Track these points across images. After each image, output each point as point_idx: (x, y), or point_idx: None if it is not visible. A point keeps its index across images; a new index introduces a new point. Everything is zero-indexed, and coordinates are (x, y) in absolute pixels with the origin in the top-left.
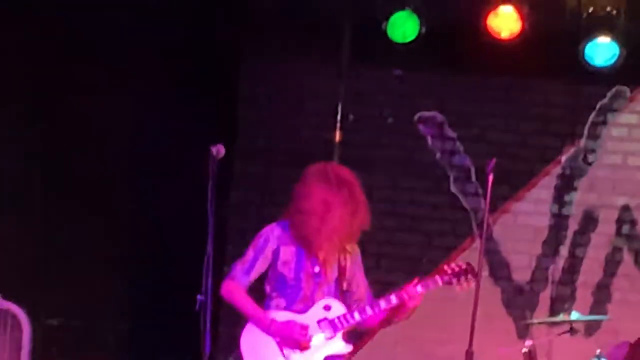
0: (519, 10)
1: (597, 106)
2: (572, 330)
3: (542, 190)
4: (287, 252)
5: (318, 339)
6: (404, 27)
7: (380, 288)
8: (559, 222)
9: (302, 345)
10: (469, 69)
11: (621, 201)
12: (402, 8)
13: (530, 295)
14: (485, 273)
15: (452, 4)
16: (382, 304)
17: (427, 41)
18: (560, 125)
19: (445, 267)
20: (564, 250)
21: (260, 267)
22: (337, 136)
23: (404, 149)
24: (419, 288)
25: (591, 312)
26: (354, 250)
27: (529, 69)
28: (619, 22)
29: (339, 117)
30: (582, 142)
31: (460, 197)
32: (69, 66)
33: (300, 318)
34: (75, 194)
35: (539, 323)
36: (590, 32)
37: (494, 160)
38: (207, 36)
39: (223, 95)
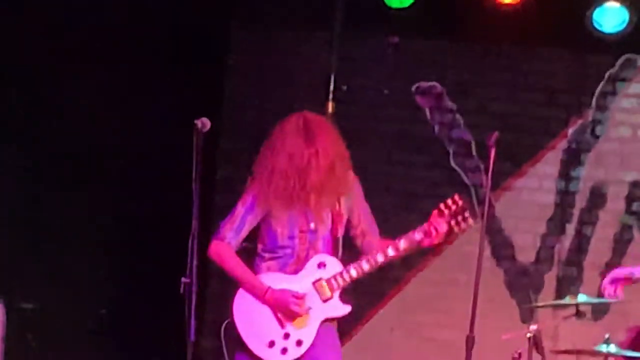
0: None
1: (606, 76)
2: (579, 314)
3: (547, 166)
4: (279, 209)
5: (315, 303)
6: None
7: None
8: (565, 198)
9: (298, 316)
10: (469, 36)
11: (631, 176)
12: None
13: (534, 277)
14: (487, 253)
15: None
16: (380, 257)
17: (425, 6)
18: (567, 96)
19: (442, 205)
20: (570, 229)
21: (250, 224)
22: (330, 108)
23: (400, 121)
24: (417, 235)
25: (599, 295)
26: (351, 186)
27: (533, 36)
28: None
29: (331, 88)
30: (590, 113)
31: (461, 172)
32: (51, 41)
33: (294, 281)
34: (53, 174)
35: (544, 306)
36: None
37: (496, 133)
38: (194, 5)
39: (210, 67)
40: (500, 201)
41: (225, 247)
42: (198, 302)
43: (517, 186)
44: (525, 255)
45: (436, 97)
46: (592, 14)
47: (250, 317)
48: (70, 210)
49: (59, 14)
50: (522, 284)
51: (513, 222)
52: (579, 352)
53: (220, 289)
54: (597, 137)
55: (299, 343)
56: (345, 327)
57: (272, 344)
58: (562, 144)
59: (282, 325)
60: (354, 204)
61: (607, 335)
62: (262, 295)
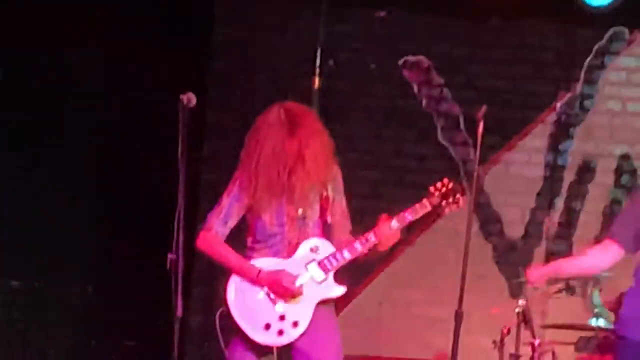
0: None
1: (594, 49)
2: (568, 289)
3: (536, 139)
4: (266, 198)
5: (309, 284)
6: None
7: None
8: (553, 172)
9: (293, 295)
10: (457, 10)
11: (620, 150)
12: None
13: (523, 252)
14: (475, 229)
15: None
16: (372, 237)
17: None
18: (555, 70)
19: (432, 188)
20: (559, 203)
21: (237, 214)
22: (316, 83)
23: (388, 96)
24: (408, 215)
25: None
26: (334, 176)
27: (521, 9)
28: None
29: (318, 63)
30: (578, 87)
31: (449, 147)
32: (34, 15)
33: (287, 264)
34: (38, 148)
35: None
36: None
37: (484, 107)
38: None
39: (196, 42)
40: (488, 175)
41: (213, 237)
42: (184, 278)
43: (505, 160)
44: (514, 230)
45: (424, 72)
46: None
47: (244, 302)
48: (55, 188)
49: None
50: (511, 259)
51: (501, 196)
52: (568, 327)
53: (206, 265)
54: (586, 110)
55: (295, 324)
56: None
57: (268, 326)
58: (551, 118)
59: (276, 306)
60: (335, 195)
61: (596, 310)
62: (254, 278)
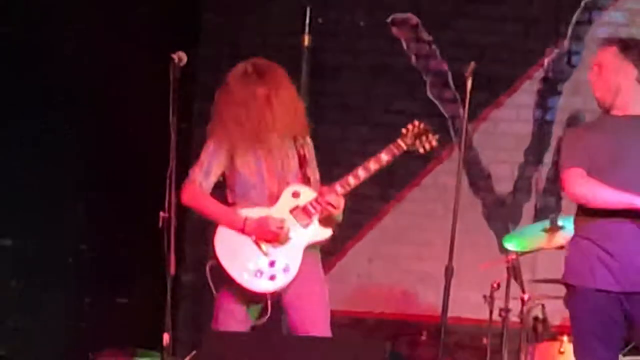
0: None
1: (582, 4)
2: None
3: (524, 96)
4: (243, 152)
5: (295, 229)
6: None
7: (354, 200)
8: (542, 128)
9: (280, 238)
10: None
11: None
12: None
13: (512, 207)
14: (464, 185)
15: None
16: (352, 180)
17: None
18: (543, 26)
19: (404, 130)
20: (547, 158)
21: (217, 170)
22: (306, 41)
23: (376, 53)
24: (384, 156)
25: None
26: (307, 143)
27: None
28: None
29: (307, 21)
30: (566, 43)
31: (438, 103)
32: None
33: (271, 211)
34: (30, 105)
35: None
36: None
37: (473, 64)
38: None
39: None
40: (477, 132)
41: (196, 189)
42: (177, 236)
43: (494, 117)
44: (503, 185)
45: (412, 29)
46: None
47: (233, 251)
48: (50, 145)
49: None
50: (500, 215)
51: (490, 152)
52: (557, 282)
53: (198, 223)
54: (574, 66)
55: (286, 269)
56: (323, 259)
57: (259, 273)
58: (539, 74)
59: (265, 252)
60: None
61: None
62: (241, 226)
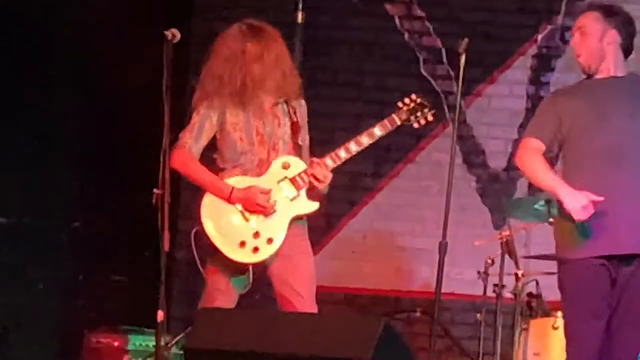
0: None
1: None
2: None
3: (517, 71)
4: (234, 114)
5: (282, 200)
6: None
7: (349, 177)
8: (536, 104)
9: (266, 210)
10: None
11: None
12: None
13: (506, 183)
14: (458, 161)
15: None
16: (343, 153)
17: None
18: (536, 2)
19: (399, 104)
20: None
21: (208, 132)
22: (299, 17)
23: (370, 30)
24: (377, 130)
25: None
26: (301, 105)
27: None
28: None
29: None
30: (559, 19)
31: (431, 80)
32: None
33: (259, 181)
34: (24, 82)
35: None
36: None
37: (466, 40)
38: None
39: None
40: (471, 108)
41: (186, 155)
42: (171, 213)
43: (487, 93)
44: (497, 161)
45: (405, 5)
46: None
47: (218, 220)
48: (40, 123)
49: None
50: (494, 190)
51: (484, 128)
52: (551, 258)
53: (192, 200)
54: (567, 42)
55: (269, 241)
56: (317, 235)
57: (242, 244)
58: (532, 50)
59: (250, 222)
60: (302, 127)
61: None
62: (227, 195)
